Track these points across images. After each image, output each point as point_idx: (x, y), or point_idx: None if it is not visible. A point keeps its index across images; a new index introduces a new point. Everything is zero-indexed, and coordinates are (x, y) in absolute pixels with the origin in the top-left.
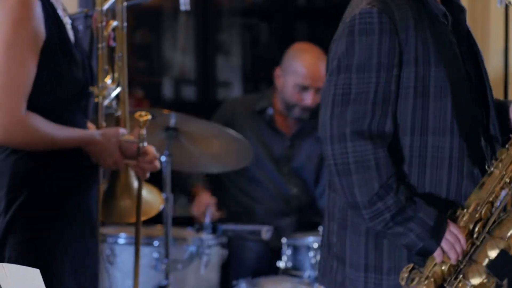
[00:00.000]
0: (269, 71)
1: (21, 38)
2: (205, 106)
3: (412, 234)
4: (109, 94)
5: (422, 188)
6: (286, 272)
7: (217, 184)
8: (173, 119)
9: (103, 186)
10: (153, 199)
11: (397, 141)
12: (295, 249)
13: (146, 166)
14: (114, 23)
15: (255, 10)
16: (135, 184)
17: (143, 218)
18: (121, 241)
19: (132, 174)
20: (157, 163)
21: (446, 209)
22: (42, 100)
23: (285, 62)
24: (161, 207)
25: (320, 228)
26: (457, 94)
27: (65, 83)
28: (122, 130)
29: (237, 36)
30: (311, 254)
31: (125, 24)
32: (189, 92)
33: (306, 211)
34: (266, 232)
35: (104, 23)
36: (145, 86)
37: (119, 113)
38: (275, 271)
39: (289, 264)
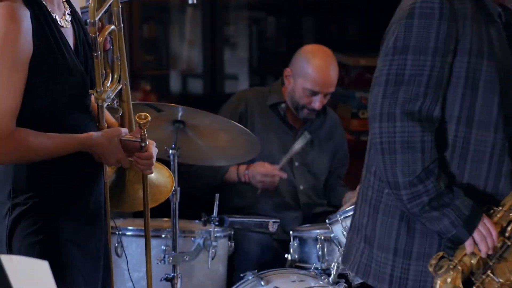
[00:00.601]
0: (276, 65)
1: (7, 54)
2: (212, 100)
3: (446, 220)
4: (109, 98)
5: (460, 179)
6: (292, 264)
7: None
8: (180, 112)
9: (110, 174)
10: (163, 181)
11: (442, 129)
12: (302, 242)
13: (142, 162)
14: (110, 28)
15: (262, 4)
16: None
17: (156, 203)
18: (129, 233)
19: None
20: (153, 162)
21: (481, 204)
22: (37, 105)
23: (295, 64)
24: (173, 187)
25: (327, 221)
26: (505, 91)
27: (60, 88)
28: (124, 130)
29: (244, 29)
30: (318, 246)
31: (121, 25)
32: (196, 85)
33: (313, 207)
34: (273, 225)
35: (97, 33)
36: (152, 79)
37: (120, 113)
38: (282, 263)
39: (296, 257)
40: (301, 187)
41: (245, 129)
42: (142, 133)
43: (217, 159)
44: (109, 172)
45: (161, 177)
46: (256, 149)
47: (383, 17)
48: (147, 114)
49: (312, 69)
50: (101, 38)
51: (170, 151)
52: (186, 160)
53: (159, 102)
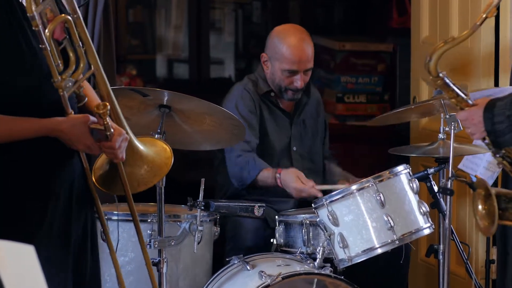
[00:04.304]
0: (262, 49)
1: None
2: (198, 84)
3: None
4: (69, 87)
5: None
6: (278, 248)
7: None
8: (166, 97)
9: (103, 159)
10: (161, 156)
11: None
12: (287, 226)
13: (107, 151)
14: (61, 19)
15: None
16: (144, 149)
17: (156, 180)
18: (114, 217)
19: (136, 141)
20: (117, 153)
21: None
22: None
23: (270, 48)
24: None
25: (313, 205)
26: None
27: (21, 74)
28: (92, 118)
29: (230, 14)
30: (303, 230)
31: (78, 14)
32: (182, 70)
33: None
34: (258, 209)
35: (40, 26)
36: (138, 64)
37: (84, 100)
38: (269, 247)
39: (281, 241)
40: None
41: (230, 113)
42: (105, 122)
43: (203, 144)
44: (104, 157)
45: (158, 158)
46: (242, 133)
47: (369, 2)
48: (106, 103)
49: (286, 49)
50: (50, 28)
51: (156, 136)
52: (172, 145)
53: (145, 87)
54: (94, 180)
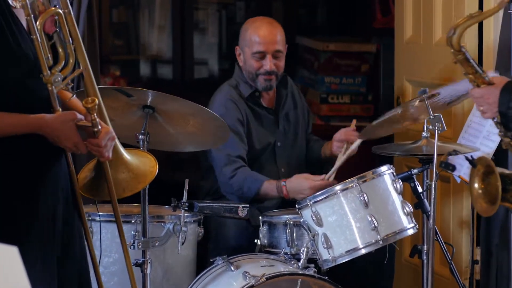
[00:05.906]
0: None
1: None
2: (182, 85)
3: None
4: (58, 81)
5: None
6: (262, 249)
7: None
8: (150, 97)
9: (92, 164)
10: (146, 165)
11: None
12: (271, 227)
13: (93, 148)
14: (52, 11)
15: None
16: (128, 157)
17: (141, 187)
18: (98, 218)
19: (121, 147)
20: (103, 151)
21: None
22: None
23: (240, 40)
24: (153, 177)
25: (297, 205)
26: None
27: (9, 70)
28: (79, 115)
29: (213, 14)
30: (287, 231)
31: (69, 9)
32: (166, 71)
33: None
34: (242, 210)
35: (33, 16)
36: (122, 65)
37: (72, 97)
38: (253, 248)
39: (265, 242)
40: (283, 170)
41: (215, 114)
42: (92, 117)
43: (187, 145)
44: (90, 166)
45: (143, 166)
46: (226, 135)
47: (352, 2)
48: (95, 98)
49: (252, 33)
50: (41, 20)
51: (140, 137)
52: (155, 146)
53: (128, 87)
54: (79, 188)
